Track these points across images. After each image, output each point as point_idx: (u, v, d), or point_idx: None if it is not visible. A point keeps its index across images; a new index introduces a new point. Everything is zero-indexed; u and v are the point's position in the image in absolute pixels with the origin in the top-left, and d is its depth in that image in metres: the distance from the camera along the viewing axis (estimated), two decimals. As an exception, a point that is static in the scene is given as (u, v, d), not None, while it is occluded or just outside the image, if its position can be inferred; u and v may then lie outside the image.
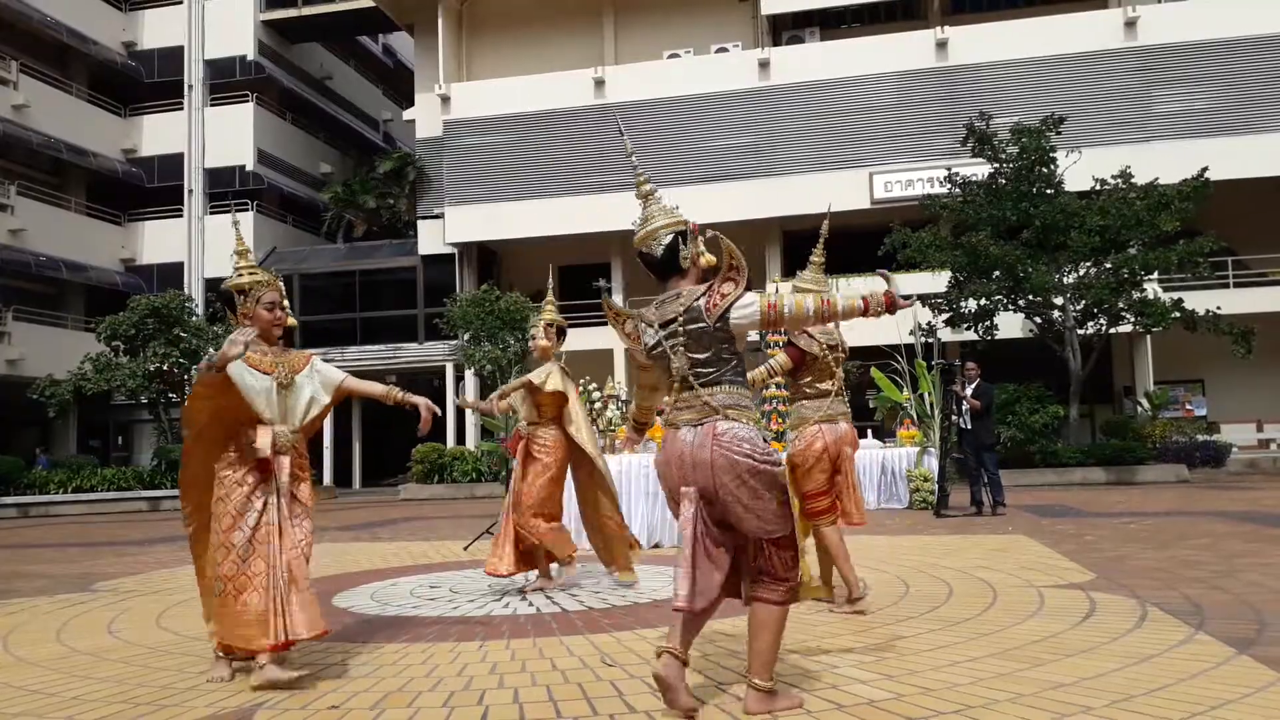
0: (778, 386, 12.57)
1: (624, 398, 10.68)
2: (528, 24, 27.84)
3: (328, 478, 26.24)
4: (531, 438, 5.65)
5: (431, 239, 26.87)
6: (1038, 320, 18.43)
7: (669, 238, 3.08)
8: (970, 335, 18.69)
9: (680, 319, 3.01)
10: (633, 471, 8.07)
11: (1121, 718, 2.78)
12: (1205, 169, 17.95)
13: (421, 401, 3.95)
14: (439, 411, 4.09)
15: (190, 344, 20.98)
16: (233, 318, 3.77)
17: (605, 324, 25.03)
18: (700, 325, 2.98)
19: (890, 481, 12.25)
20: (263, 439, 3.63)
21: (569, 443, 5.65)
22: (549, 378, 5.54)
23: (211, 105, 30.24)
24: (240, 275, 3.77)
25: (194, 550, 3.91)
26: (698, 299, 3.00)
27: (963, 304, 18.07)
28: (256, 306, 3.76)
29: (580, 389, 9.45)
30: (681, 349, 3.01)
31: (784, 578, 2.98)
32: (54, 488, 19.72)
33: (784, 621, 2.99)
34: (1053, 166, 18.05)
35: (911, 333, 16.23)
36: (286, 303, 3.93)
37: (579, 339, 24.19)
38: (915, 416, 13.40)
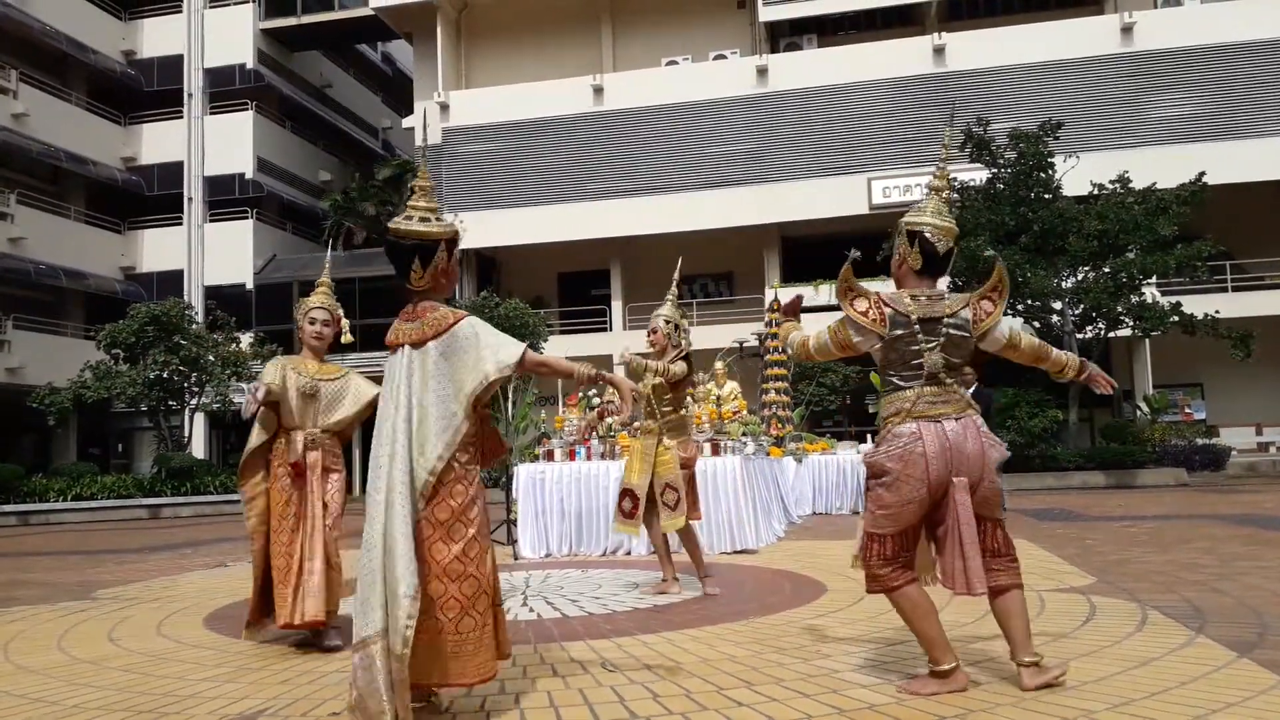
0: (777, 392, 12.62)
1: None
2: (526, 32, 27.92)
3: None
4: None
5: (430, 246, 26.86)
6: (1036, 324, 18.45)
7: (952, 244, 3.29)
8: (969, 340, 18.70)
9: (946, 320, 3.18)
10: (633, 477, 8.05)
11: (1122, 721, 2.78)
12: (1202, 173, 18.00)
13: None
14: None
15: (190, 352, 20.97)
16: (419, 271, 3.12)
17: (605, 330, 24.87)
18: (963, 334, 3.20)
19: (890, 486, 12.22)
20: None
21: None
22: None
23: (211, 114, 30.28)
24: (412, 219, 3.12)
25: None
26: (963, 308, 3.22)
27: (961, 309, 18.09)
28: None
29: (579, 395, 9.47)
30: (939, 347, 3.16)
31: (1014, 555, 3.22)
32: (54, 496, 19.70)
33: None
34: (1050, 171, 18.08)
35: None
36: (338, 316, 4.64)
37: (579, 344, 24.29)
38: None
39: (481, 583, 2.93)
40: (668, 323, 5.72)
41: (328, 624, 4.27)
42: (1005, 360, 3.46)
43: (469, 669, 2.91)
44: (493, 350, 2.95)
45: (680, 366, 5.56)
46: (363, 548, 2.94)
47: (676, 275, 6.11)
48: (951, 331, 3.17)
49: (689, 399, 6.11)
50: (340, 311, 4.68)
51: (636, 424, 5.84)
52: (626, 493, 5.70)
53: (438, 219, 3.10)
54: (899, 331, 3.17)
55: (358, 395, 4.55)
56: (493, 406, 4.99)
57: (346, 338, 4.59)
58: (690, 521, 5.71)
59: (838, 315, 3.38)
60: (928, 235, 3.22)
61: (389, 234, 3.10)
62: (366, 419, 4.22)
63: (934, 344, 3.15)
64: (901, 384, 3.18)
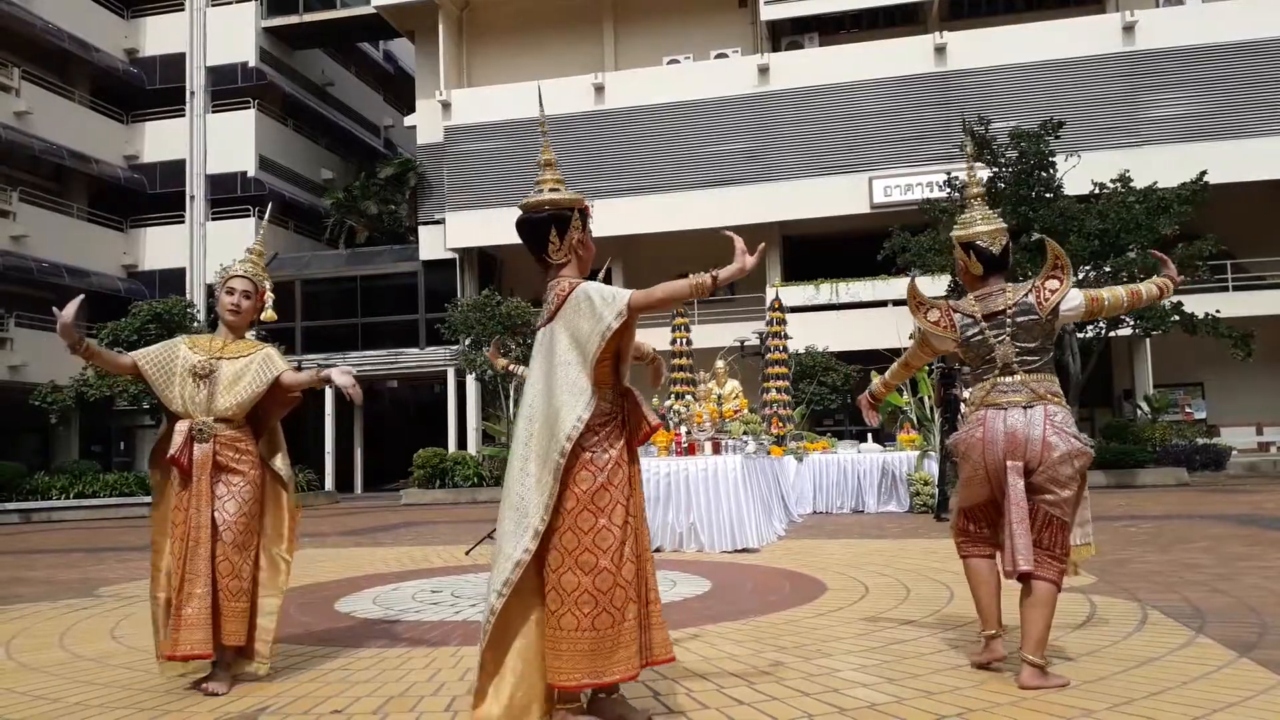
0: (778, 391, 12.62)
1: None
2: (528, 30, 27.91)
3: (329, 483, 26.23)
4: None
5: (432, 244, 26.91)
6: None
7: (1006, 240, 3.48)
8: (970, 339, 18.70)
9: (1009, 312, 3.35)
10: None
11: (1121, 720, 2.78)
12: (1204, 173, 17.97)
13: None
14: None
15: (192, 350, 20.97)
16: (556, 242, 3.01)
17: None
18: (1032, 318, 3.33)
19: (891, 485, 12.25)
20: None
21: None
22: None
23: (213, 112, 30.26)
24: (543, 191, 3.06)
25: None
26: (1025, 295, 3.36)
27: (963, 308, 18.10)
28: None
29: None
30: (1008, 338, 3.34)
31: (1061, 558, 3.27)
32: (56, 494, 19.72)
33: (1056, 601, 3.25)
34: (1052, 170, 18.06)
35: (911, 336, 16.26)
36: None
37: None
38: (915, 420, 13.42)
39: (616, 576, 2.75)
40: None
41: (216, 659, 3.59)
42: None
43: (609, 667, 2.73)
44: (606, 302, 2.79)
45: None
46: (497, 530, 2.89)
47: (601, 275, 6.16)
48: (1019, 319, 3.34)
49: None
50: (267, 284, 3.91)
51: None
52: None
53: (563, 190, 3.05)
54: (970, 332, 3.42)
55: (261, 372, 3.73)
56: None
57: (269, 314, 3.88)
58: None
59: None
60: (981, 244, 3.46)
61: (524, 211, 3.03)
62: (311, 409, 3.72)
63: (1002, 336, 3.35)
64: (981, 376, 3.42)
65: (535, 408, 2.86)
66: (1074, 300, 3.37)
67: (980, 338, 3.39)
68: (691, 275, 2.79)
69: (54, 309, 3.49)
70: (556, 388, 2.80)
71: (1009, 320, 3.34)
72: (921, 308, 3.59)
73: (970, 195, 3.66)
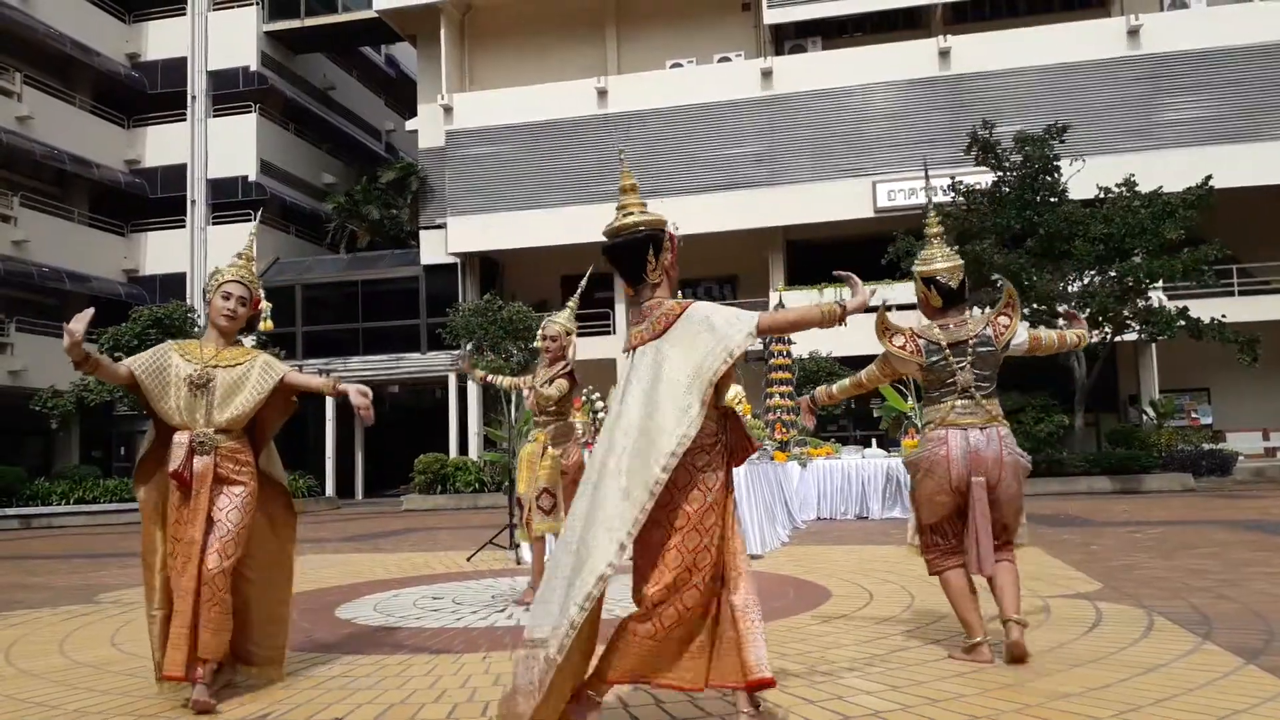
0: (781, 396, 12.60)
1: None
2: (530, 34, 27.94)
3: (330, 488, 26.21)
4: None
5: (434, 249, 26.91)
6: (1042, 328, 18.44)
7: (963, 276, 3.87)
8: (974, 344, 18.68)
9: (971, 342, 3.72)
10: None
11: (1129, 729, 2.76)
12: (1209, 177, 17.94)
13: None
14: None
15: (193, 354, 20.98)
16: (653, 262, 3.03)
17: (609, 333, 24.63)
18: (989, 349, 3.73)
19: (895, 491, 12.22)
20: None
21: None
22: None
23: (214, 116, 30.30)
24: (629, 215, 3.06)
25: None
26: (984, 328, 3.76)
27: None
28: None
29: (584, 400, 9.47)
30: (969, 365, 3.69)
31: (1010, 545, 3.80)
32: (56, 499, 19.72)
33: (1017, 569, 3.78)
34: (1056, 175, 18.04)
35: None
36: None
37: (583, 347, 24.14)
38: (920, 426, 13.40)
39: (703, 594, 2.77)
40: (569, 334, 5.87)
41: (193, 679, 3.40)
42: (1009, 365, 3.84)
43: (659, 671, 2.81)
44: (731, 323, 2.81)
45: (560, 386, 5.67)
46: (559, 543, 2.86)
47: (583, 284, 6.21)
48: (979, 349, 3.71)
49: (573, 410, 6.23)
50: (261, 292, 3.78)
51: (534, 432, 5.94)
52: (518, 500, 6.15)
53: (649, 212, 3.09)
54: (934, 358, 3.73)
55: (262, 379, 3.59)
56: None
57: (266, 324, 3.74)
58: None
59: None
60: (941, 279, 3.81)
61: (619, 235, 3.03)
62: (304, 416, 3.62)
63: (964, 363, 3.69)
64: (939, 398, 3.75)
65: (632, 422, 2.80)
66: (1020, 337, 3.83)
67: (944, 363, 3.71)
68: (820, 304, 2.95)
69: (64, 325, 3.37)
70: (661, 404, 2.77)
71: (970, 349, 3.71)
72: (887, 332, 3.86)
73: (930, 234, 3.95)
